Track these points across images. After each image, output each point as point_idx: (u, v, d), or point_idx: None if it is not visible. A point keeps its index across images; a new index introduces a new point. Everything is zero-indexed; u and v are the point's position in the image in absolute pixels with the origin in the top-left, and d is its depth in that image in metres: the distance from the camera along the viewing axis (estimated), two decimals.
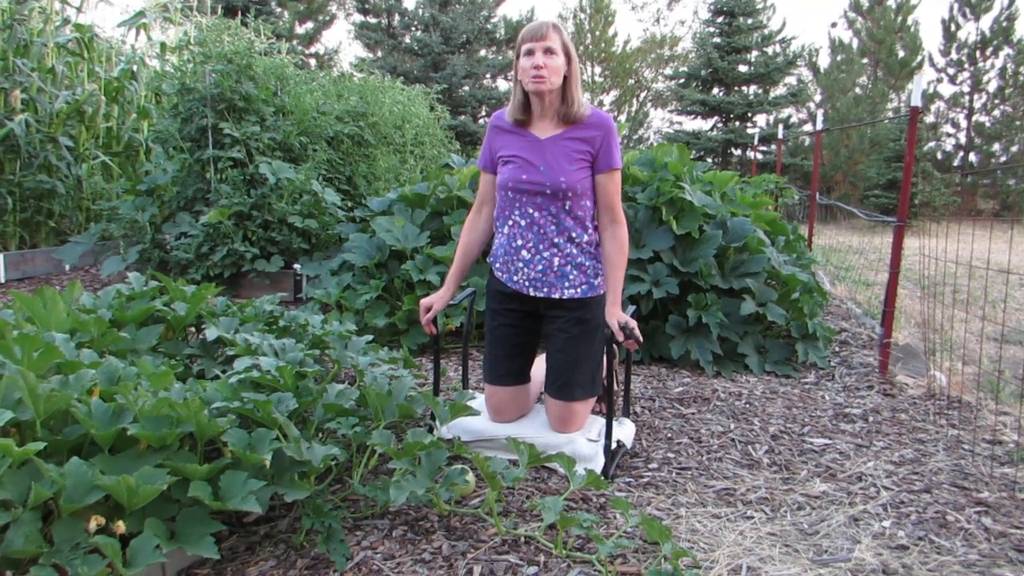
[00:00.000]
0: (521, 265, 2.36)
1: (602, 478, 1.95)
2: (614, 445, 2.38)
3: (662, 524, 1.74)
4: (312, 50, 18.34)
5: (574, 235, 2.32)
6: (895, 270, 3.60)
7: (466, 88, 15.79)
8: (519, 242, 2.35)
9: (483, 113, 15.93)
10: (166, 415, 1.69)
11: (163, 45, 7.46)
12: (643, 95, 22.64)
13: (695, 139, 15.85)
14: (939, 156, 17.48)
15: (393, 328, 3.77)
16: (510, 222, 2.37)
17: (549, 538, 1.86)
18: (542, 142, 2.30)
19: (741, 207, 4.15)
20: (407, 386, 2.27)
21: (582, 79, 2.43)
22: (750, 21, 15.95)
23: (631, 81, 22.29)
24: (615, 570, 1.73)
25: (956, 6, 17.56)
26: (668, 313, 3.66)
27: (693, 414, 2.92)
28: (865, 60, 19.01)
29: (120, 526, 1.52)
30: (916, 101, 3.45)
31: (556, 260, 2.33)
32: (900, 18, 18.56)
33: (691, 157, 4.61)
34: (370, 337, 2.77)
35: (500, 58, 16.75)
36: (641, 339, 2.23)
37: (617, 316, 2.27)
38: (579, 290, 2.34)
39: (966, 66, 17.61)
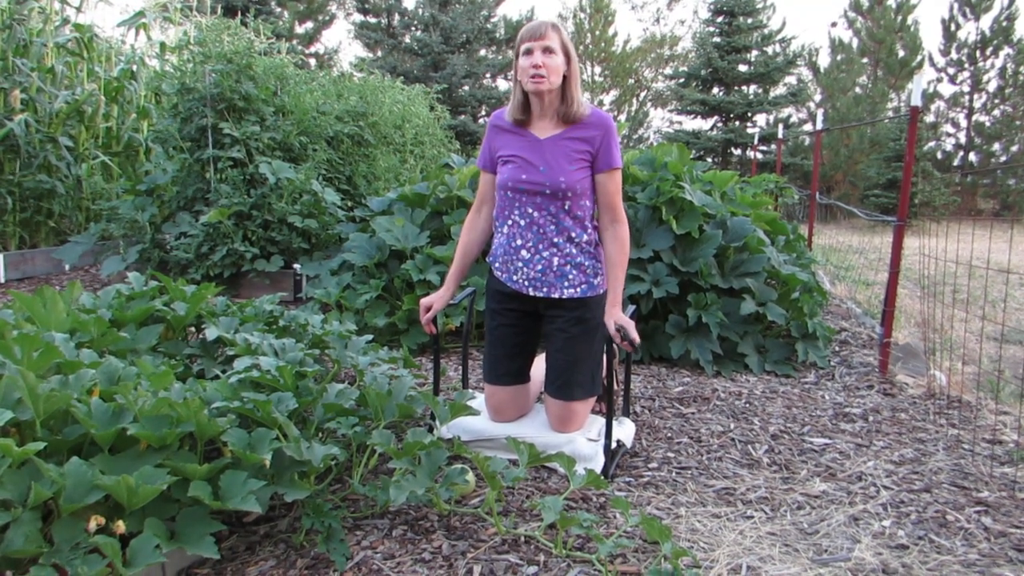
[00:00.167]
0: (520, 265, 2.36)
1: (602, 478, 1.95)
2: (614, 445, 2.38)
3: (662, 524, 1.74)
4: (312, 50, 18.34)
5: (573, 235, 2.32)
6: (895, 270, 3.60)
7: (466, 88, 15.79)
8: (518, 242, 2.35)
9: (483, 113, 15.93)
10: (166, 415, 1.69)
11: (163, 45, 7.46)
12: (643, 95, 22.65)
13: (695, 139, 15.85)
14: (939, 156, 17.48)
15: (393, 328, 3.77)
16: (509, 222, 2.37)
17: (549, 538, 1.86)
18: (542, 142, 2.30)
19: (741, 207, 4.15)
20: (407, 386, 2.27)
21: (582, 79, 2.43)
22: (750, 21, 15.95)
23: (631, 81, 22.29)
24: (615, 569, 1.73)
25: (956, 6, 17.56)
26: (668, 313, 3.66)
27: (693, 414, 2.92)
28: (865, 60, 19.01)
29: (120, 526, 1.52)
30: (916, 101, 3.45)
31: (555, 260, 2.33)
32: (900, 18, 18.56)
33: (691, 157, 4.61)
34: (370, 337, 2.77)
35: (500, 58, 16.75)
36: (637, 341, 2.23)
37: (615, 317, 2.27)
38: (579, 290, 2.34)
39: (966, 66, 17.61)
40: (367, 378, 2.30)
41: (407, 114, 6.89)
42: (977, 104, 17.63)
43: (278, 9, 16.35)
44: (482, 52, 16.97)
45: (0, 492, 1.45)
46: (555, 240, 2.32)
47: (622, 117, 21.53)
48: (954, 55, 17.75)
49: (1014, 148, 17.10)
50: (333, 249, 4.96)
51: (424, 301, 2.49)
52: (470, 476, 2.08)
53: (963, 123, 17.85)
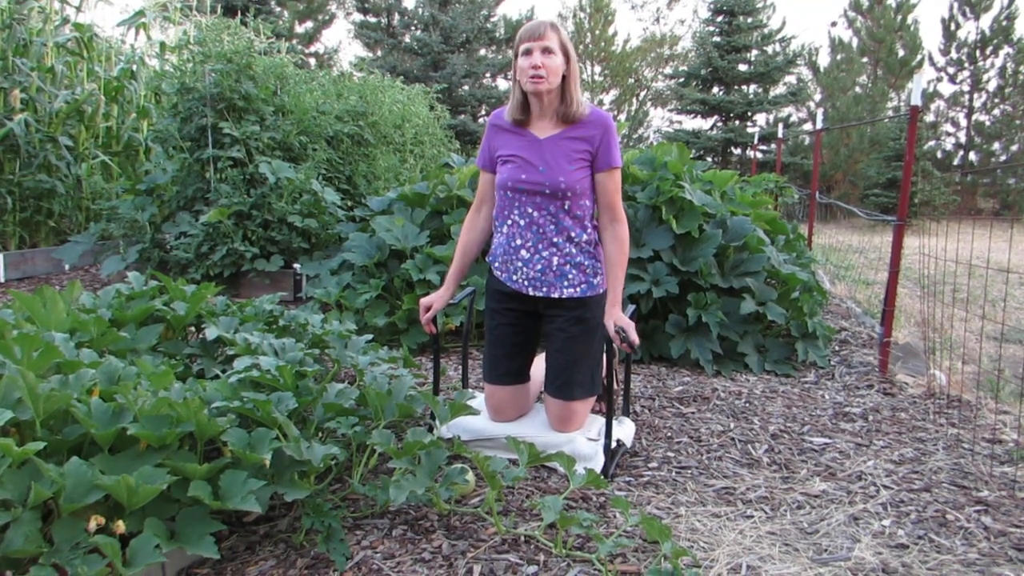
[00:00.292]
0: (520, 264, 2.36)
1: (602, 477, 1.95)
2: (614, 444, 2.38)
3: (662, 523, 1.74)
4: (312, 49, 18.34)
5: (573, 235, 2.32)
6: (895, 269, 3.60)
7: (466, 87, 15.79)
8: (518, 241, 2.35)
9: (483, 112, 15.92)
10: (166, 415, 1.69)
11: (163, 44, 7.46)
12: (643, 94, 22.65)
13: (695, 138, 15.85)
14: (939, 155, 17.49)
15: (393, 327, 3.77)
16: (509, 222, 2.37)
17: (549, 537, 1.86)
18: (541, 142, 2.30)
19: (741, 206, 4.15)
20: (407, 385, 2.27)
21: (581, 78, 2.43)
22: (750, 20, 15.94)
23: (631, 80, 22.29)
24: (615, 569, 1.73)
25: (956, 5, 17.56)
26: (668, 312, 3.66)
27: (693, 413, 2.92)
28: (865, 59, 19.01)
29: (120, 526, 1.52)
30: (916, 100, 3.45)
31: (555, 259, 2.33)
32: (900, 17, 18.56)
33: (691, 156, 4.61)
34: (370, 336, 2.77)
35: (500, 57, 16.75)
36: (636, 343, 2.23)
37: (615, 318, 2.26)
38: (578, 289, 2.34)
39: (966, 65, 17.61)
40: (367, 378, 2.30)
41: (407, 114, 6.89)
42: (977, 103, 17.64)
43: (278, 9, 16.35)
44: (482, 52, 16.96)
45: (0, 492, 1.45)
46: (555, 240, 2.32)
47: (622, 117, 21.53)
48: (954, 54, 17.75)
49: (1014, 147, 17.11)
50: (333, 249, 4.96)
51: (424, 301, 2.49)
52: (470, 476, 2.08)
53: (963, 122, 17.86)
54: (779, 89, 16.59)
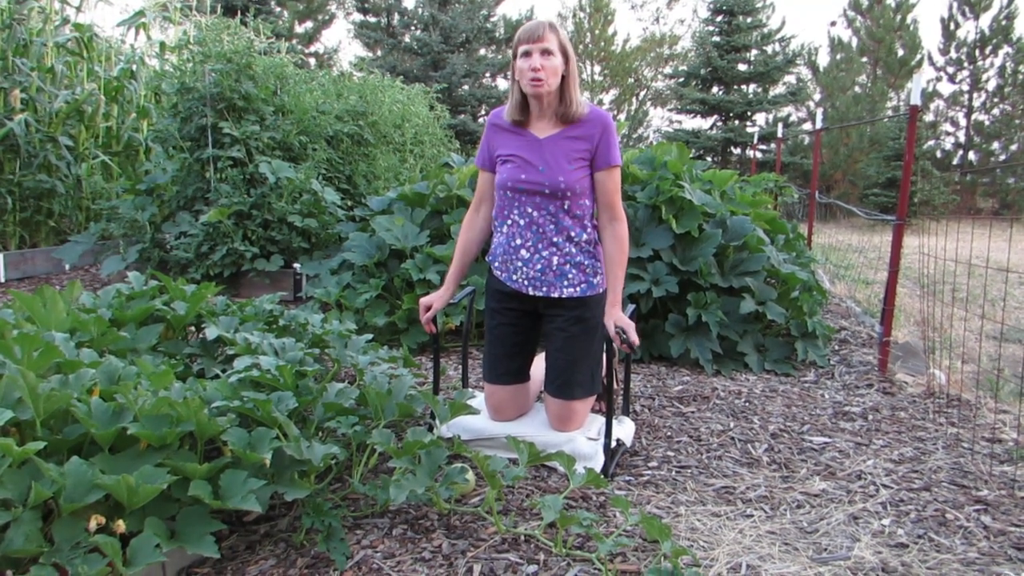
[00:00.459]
0: (520, 264, 2.36)
1: (602, 476, 1.95)
2: (614, 443, 2.38)
3: (662, 522, 1.74)
4: (312, 49, 18.34)
5: (573, 234, 2.32)
6: (894, 268, 3.60)
7: (466, 87, 15.79)
8: (518, 241, 2.35)
9: (483, 112, 15.92)
10: (166, 414, 1.70)
11: (163, 44, 7.46)
12: (643, 94, 22.65)
13: (695, 138, 15.84)
14: (938, 155, 17.49)
15: (393, 327, 3.78)
16: (509, 221, 2.37)
17: (549, 536, 1.86)
18: (541, 141, 2.30)
19: (741, 206, 4.15)
20: (407, 385, 2.27)
21: (581, 78, 2.43)
22: (749, 20, 15.94)
23: (631, 80, 22.29)
24: (615, 568, 1.73)
25: (955, 5, 17.57)
26: (668, 312, 3.67)
27: (693, 412, 2.93)
28: (864, 59, 19.01)
29: (120, 525, 1.52)
30: (915, 100, 3.45)
31: (555, 259, 2.33)
32: (899, 17, 18.56)
33: (690, 156, 4.61)
34: (370, 336, 2.77)
35: (500, 57, 16.74)
36: (636, 343, 2.23)
37: (615, 318, 2.26)
38: (578, 289, 2.34)
39: (965, 65, 17.62)
40: (367, 377, 2.30)
41: (407, 113, 6.89)
42: (976, 103, 17.64)
43: (278, 9, 16.35)
44: (482, 51, 16.96)
45: (0, 491, 1.45)
46: (554, 239, 2.32)
47: (622, 116, 21.53)
48: (953, 54, 17.75)
49: (1013, 147, 17.11)
50: (333, 248, 4.96)
51: (424, 300, 2.49)
52: (470, 475, 2.09)
53: (962, 122, 17.86)
54: (779, 89, 16.59)
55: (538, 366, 2.60)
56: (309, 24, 18.76)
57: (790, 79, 16.99)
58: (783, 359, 3.63)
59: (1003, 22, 16.86)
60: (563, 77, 2.24)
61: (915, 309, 5.53)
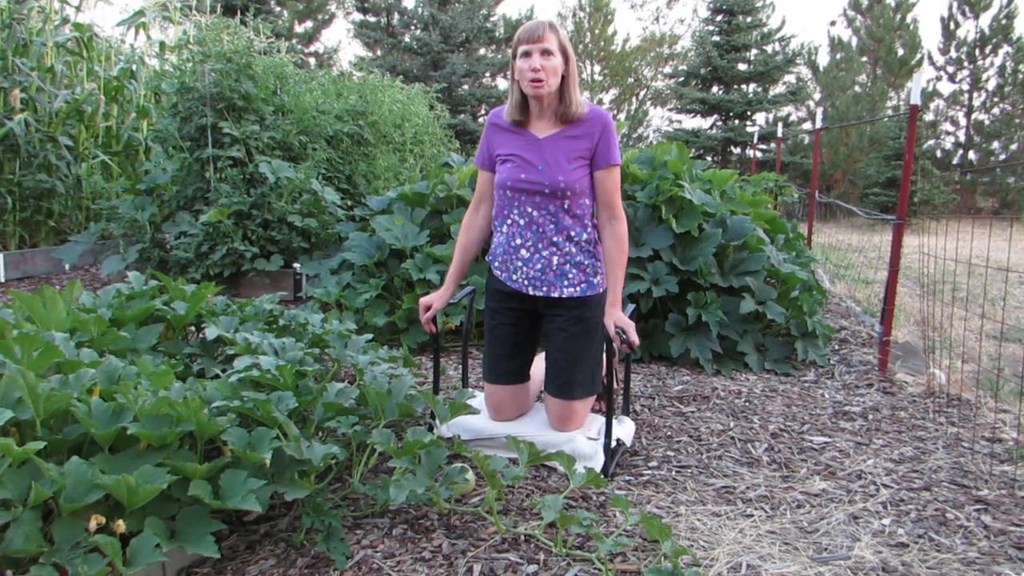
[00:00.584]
0: (520, 264, 2.36)
1: (602, 476, 1.95)
2: (614, 443, 2.38)
3: (662, 522, 1.74)
4: (311, 49, 18.33)
5: (573, 234, 2.32)
6: (894, 268, 3.60)
7: (465, 87, 15.79)
8: (518, 241, 2.35)
9: (482, 112, 15.92)
10: (166, 414, 1.70)
11: (162, 44, 7.45)
12: (642, 93, 22.65)
13: (694, 137, 15.85)
14: (938, 154, 17.49)
15: (393, 327, 3.77)
16: (509, 221, 2.37)
17: (549, 536, 1.86)
18: (540, 141, 2.29)
19: (740, 205, 4.15)
20: (407, 385, 2.27)
21: (581, 78, 2.43)
22: (749, 19, 15.94)
23: (630, 80, 22.29)
24: (615, 568, 1.73)
25: (955, 4, 17.56)
26: (668, 311, 3.67)
27: (693, 412, 2.93)
28: (864, 58, 19.01)
29: (120, 525, 1.52)
30: (915, 99, 3.45)
31: (555, 259, 2.33)
32: (899, 16, 18.56)
33: (690, 155, 4.61)
34: (370, 336, 2.77)
35: (499, 57, 16.74)
36: (636, 343, 2.23)
37: (615, 318, 2.26)
38: (578, 289, 2.34)
39: (965, 64, 17.61)
40: (367, 377, 2.30)
41: (407, 113, 6.89)
42: (976, 102, 17.64)
43: (277, 8, 16.35)
44: (481, 51, 16.96)
45: (0, 491, 1.45)
46: (555, 239, 2.32)
47: (621, 116, 21.53)
48: (953, 53, 17.75)
49: (1013, 146, 17.11)
50: (333, 248, 4.96)
51: (424, 300, 2.49)
52: (470, 475, 2.09)
53: (962, 121, 17.86)
54: (778, 88, 16.59)
55: (538, 366, 2.60)
56: (309, 24, 18.76)
57: (790, 79, 16.99)
58: (783, 359, 3.63)
59: (1003, 21, 16.86)
60: (563, 77, 2.24)
61: (915, 309, 5.53)
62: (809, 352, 3.68)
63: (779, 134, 10.03)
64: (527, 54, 2.19)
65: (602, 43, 21.66)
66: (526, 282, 2.37)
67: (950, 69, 17.94)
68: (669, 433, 2.70)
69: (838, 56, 19.02)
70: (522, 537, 1.88)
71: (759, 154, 15.38)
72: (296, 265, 4.81)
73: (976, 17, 17.31)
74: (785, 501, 2.17)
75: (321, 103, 5.78)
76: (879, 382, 3.42)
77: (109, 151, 6.50)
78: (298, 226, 4.87)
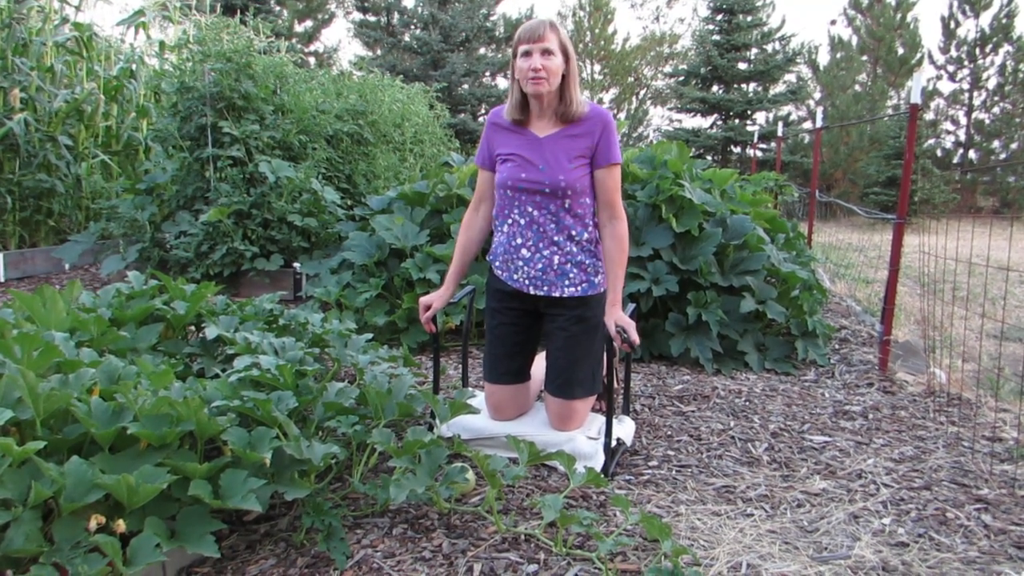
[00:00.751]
0: (521, 264, 2.36)
1: (602, 476, 1.95)
2: (614, 443, 2.38)
3: (662, 522, 1.74)
4: (311, 48, 18.33)
5: (574, 233, 2.32)
6: (895, 267, 3.60)
7: (465, 86, 15.78)
8: (519, 240, 2.35)
9: (482, 111, 15.92)
10: (166, 414, 1.70)
11: (162, 44, 7.45)
12: (642, 93, 22.64)
13: (695, 137, 15.84)
14: (939, 153, 17.48)
15: (393, 326, 3.77)
16: (509, 220, 2.37)
17: (549, 536, 1.86)
18: (541, 140, 2.29)
19: (741, 205, 4.15)
20: (407, 384, 2.27)
21: (581, 77, 2.43)
22: (749, 19, 15.93)
23: (631, 79, 22.28)
24: (615, 568, 1.73)
25: (956, 3, 17.55)
26: (668, 311, 3.66)
27: (693, 412, 2.92)
28: (865, 57, 19.00)
29: (120, 525, 1.52)
30: (916, 98, 3.44)
31: (556, 258, 2.33)
32: (900, 15, 18.55)
33: (690, 155, 4.61)
34: (370, 335, 2.77)
35: (499, 56, 16.74)
36: (637, 342, 2.23)
37: (616, 317, 2.26)
38: (579, 288, 2.34)
39: (966, 63, 17.61)
40: (367, 377, 2.30)
41: (407, 113, 6.89)
42: (977, 101, 17.63)
43: (277, 8, 16.34)
44: (481, 50, 16.95)
45: (0, 491, 1.45)
46: (555, 238, 2.32)
47: (622, 115, 21.53)
48: (954, 52, 17.74)
49: (1014, 145, 17.10)
50: (333, 248, 4.96)
51: (424, 300, 2.49)
52: (470, 474, 2.09)
53: (963, 120, 17.85)
54: (779, 87, 16.59)
55: (538, 365, 2.60)
56: (309, 23, 18.75)
57: (790, 78, 16.98)
58: (783, 358, 3.63)
59: (1003, 20, 16.85)
60: (563, 76, 2.24)
61: (915, 308, 5.53)
62: (809, 351, 3.68)
63: (779, 133, 10.04)
64: (527, 53, 2.19)
65: (602, 42, 21.65)
66: (527, 282, 2.36)
67: (950, 68, 17.93)
68: (669, 432, 2.69)
69: (838, 55, 19.01)
70: (522, 536, 1.88)
71: (759, 153, 15.37)
72: (296, 265, 4.81)
73: (976, 16, 17.30)
74: (785, 500, 2.17)
75: (321, 102, 5.78)
76: (879, 381, 3.42)
77: (109, 151, 6.50)
78: (298, 225, 4.87)
